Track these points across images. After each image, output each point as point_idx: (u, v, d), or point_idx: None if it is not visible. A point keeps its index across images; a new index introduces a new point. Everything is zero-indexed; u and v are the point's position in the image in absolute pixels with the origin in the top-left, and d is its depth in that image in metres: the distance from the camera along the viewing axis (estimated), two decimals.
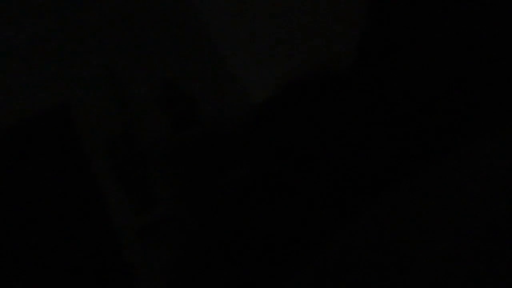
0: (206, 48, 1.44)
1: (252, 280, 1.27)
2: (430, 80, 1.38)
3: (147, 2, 1.48)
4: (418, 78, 1.38)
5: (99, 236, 1.29)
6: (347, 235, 1.22)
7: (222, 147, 1.34)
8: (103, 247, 1.28)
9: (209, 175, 1.33)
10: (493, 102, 1.35)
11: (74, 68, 1.42)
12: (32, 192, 1.32)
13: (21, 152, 1.35)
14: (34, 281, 1.26)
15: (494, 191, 1.22)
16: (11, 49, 1.44)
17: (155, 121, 1.35)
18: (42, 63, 1.43)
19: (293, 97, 1.38)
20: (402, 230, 1.21)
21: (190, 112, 1.35)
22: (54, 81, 1.41)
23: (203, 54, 1.43)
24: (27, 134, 1.37)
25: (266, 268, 1.29)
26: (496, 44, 1.37)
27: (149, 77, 1.40)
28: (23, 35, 1.45)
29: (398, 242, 1.20)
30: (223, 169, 1.33)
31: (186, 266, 1.27)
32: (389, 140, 1.35)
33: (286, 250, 1.29)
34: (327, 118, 1.37)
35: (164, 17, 1.47)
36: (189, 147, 1.33)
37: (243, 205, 1.31)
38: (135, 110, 1.36)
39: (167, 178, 1.31)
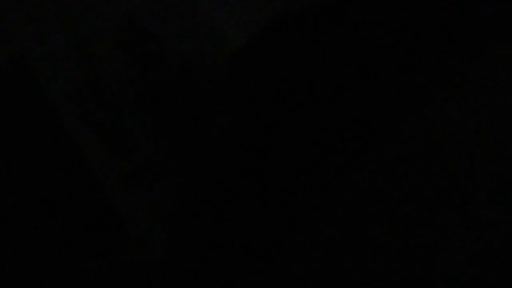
0: None
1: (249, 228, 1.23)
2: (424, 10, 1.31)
3: None
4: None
5: (79, 189, 1.24)
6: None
7: (198, 93, 1.29)
8: (85, 200, 1.24)
9: (186, 119, 1.28)
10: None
11: (26, 16, 1.36)
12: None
13: None
14: (14, 237, 1.21)
15: None
16: None
17: (119, 63, 1.29)
18: None
19: (274, 40, 1.31)
20: None
21: (156, 52, 1.30)
22: (8, 32, 1.36)
23: None
24: None
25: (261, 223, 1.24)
26: None
27: (107, 17, 1.33)
28: None
29: None
30: (200, 116, 1.28)
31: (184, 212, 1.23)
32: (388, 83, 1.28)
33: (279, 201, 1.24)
34: (315, 61, 1.30)
35: None
36: (161, 90, 1.29)
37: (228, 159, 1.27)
38: (96, 53, 1.30)
39: (142, 122, 1.27)
